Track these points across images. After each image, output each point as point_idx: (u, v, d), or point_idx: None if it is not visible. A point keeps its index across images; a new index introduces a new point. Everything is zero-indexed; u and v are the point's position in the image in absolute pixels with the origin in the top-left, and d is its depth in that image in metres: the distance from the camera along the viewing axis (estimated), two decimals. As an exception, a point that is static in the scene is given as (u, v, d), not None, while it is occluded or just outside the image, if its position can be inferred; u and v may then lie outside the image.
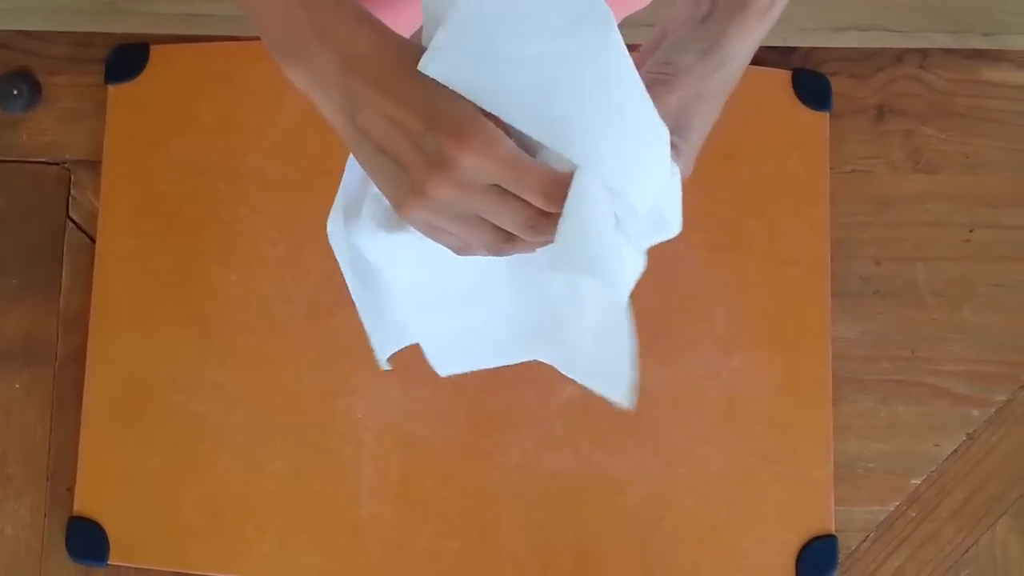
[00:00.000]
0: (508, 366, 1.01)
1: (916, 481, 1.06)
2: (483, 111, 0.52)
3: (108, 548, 1.02)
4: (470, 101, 0.51)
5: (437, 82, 0.52)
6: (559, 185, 0.53)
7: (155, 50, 1.09)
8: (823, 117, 1.09)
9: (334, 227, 0.62)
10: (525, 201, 0.53)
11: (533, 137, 0.52)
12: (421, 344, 0.63)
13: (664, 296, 1.06)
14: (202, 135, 1.08)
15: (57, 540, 1.04)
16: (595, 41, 0.53)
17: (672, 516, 1.03)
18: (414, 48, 0.53)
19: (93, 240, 1.07)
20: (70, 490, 1.04)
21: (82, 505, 1.03)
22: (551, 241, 0.54)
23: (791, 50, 1.12)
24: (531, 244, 0.56)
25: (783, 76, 1.10)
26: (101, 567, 1.03)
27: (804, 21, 1.12)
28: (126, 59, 1.09)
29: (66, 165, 1.09)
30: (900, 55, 1.13)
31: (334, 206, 0.61)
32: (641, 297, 1.10)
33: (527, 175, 0.53)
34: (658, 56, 0.63)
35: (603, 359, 0.61)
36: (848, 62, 1.12)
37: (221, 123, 1.08)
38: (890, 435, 1.07)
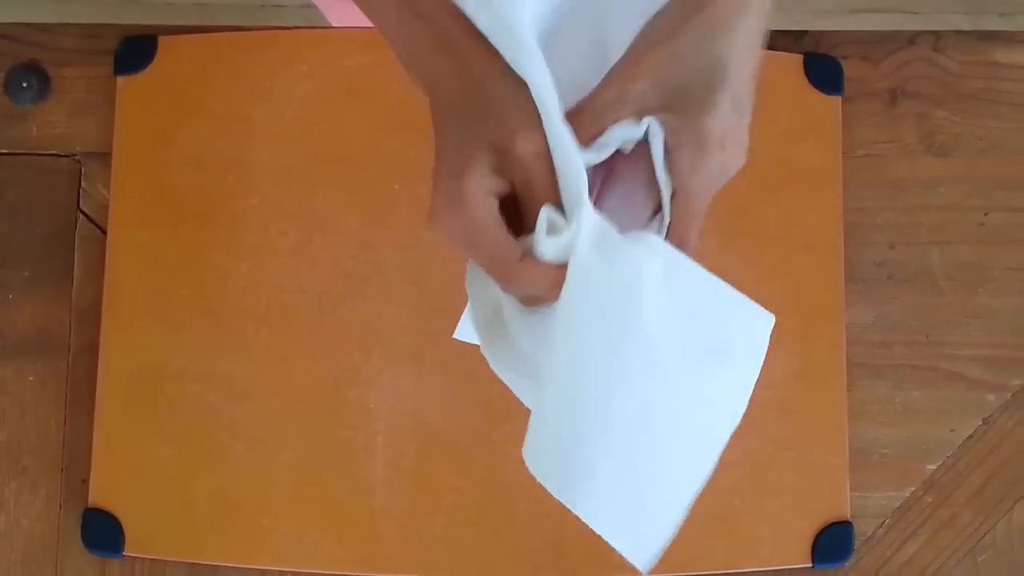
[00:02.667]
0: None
1: (932, 467, 1.06)
2: None
3: (124, 539, 1.02)
4: None
5: None
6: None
7: (163, 41, 1.09)
8: (835, 101, 1.09)
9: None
10: None
11: None
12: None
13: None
14: (211, 126, 1.08)
15: (72, 532, 1.04)
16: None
17: (686, 503, 1.02)
18: None
19: (104, 232, 1.07)
20: (85, 482, 1.04)
21: (97, 497, 1.03)
22: None
23: (802, 34, 1.11)
24: None
25: (794, 60, 1.09)
26: (117, 558, 1.03)
27: (818, 3, 1.12)
28: (135, 51, 1.09)
29: (76, 157, 1.09)
30: (913, 38, 1.12)
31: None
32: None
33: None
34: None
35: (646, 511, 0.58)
36: (860, 45, 1.11)
37: (230, 114, 1.08)
38: (905, 420, 1.06)
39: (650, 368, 0.54)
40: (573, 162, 0.53)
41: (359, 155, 1.07)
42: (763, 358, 0.56)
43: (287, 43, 1.09)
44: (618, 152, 0.57)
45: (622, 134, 0.55)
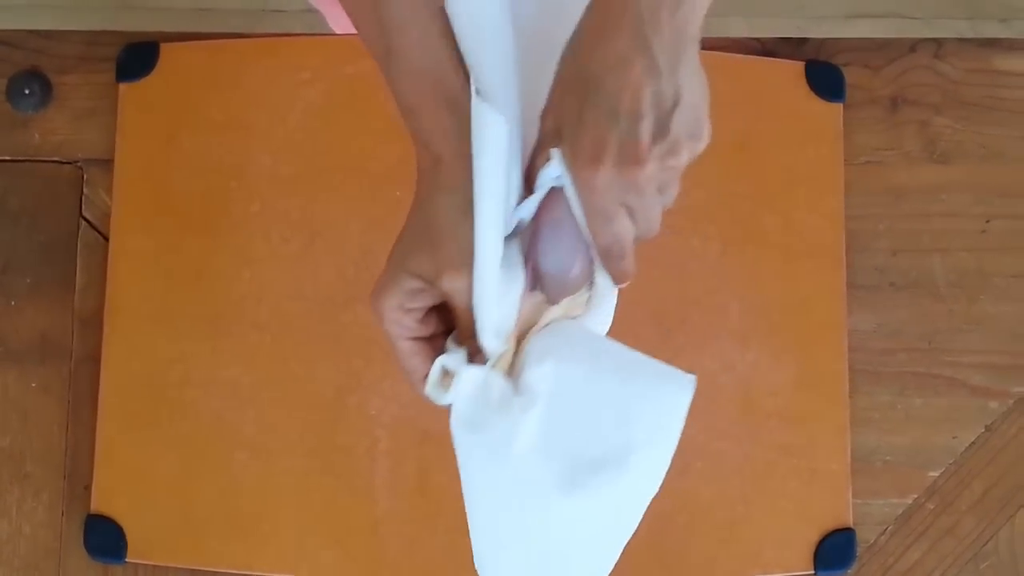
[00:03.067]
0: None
1: (934, 474, 1.06)
2: None
3: (126, 546, 1.02)
4: None
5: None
6: None
7: (165, 48, 1.09)
8: (836, 108, 1.09)
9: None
10: None
11: None
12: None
13: (678, 290, 1.06)
14: (213, 133, 1.08)
15: (75, 538, 1.04)
16: None
17: (688, 511, 1.02)
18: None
19: (106, 238, 1.07)
20: (87, 488, 1.04)
21: (99, 503, 1.03)
22: None
23: (803, 41, 1.11)
24: None
25: (796, 67, 1.09)
26: (119, 564, 1.03)
27: (817, 8, 1.12)
28: (136, 58, 1.09)
29: (79, 164, 1.09)
30: (914, 45, 1.12)
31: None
32: (655, 291, 1.10)
33: None
34: None
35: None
36: (861, 52, 1.11)
37: (231, 120, 1.08)
38: (907, 427, 1.06)
39: (531, 501, 0.61)
40: (485, 312, 0.58)
41: (361, 162, 1.07)
42: (681, 425, 0.62)
43: (289, 50, 1.09)
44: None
45: (550, 172, 0.58)
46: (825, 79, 1.09)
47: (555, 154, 0.57)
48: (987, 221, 1.09)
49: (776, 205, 1.07)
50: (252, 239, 1.06)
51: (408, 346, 0.61)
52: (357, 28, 0.61)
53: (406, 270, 0.58)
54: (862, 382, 1.06)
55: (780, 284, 1.06)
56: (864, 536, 1.04)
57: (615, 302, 0.67)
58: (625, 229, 0.59)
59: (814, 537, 1.03)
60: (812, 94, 1.09)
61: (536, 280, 0.61)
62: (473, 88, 0.57)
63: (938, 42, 1.12)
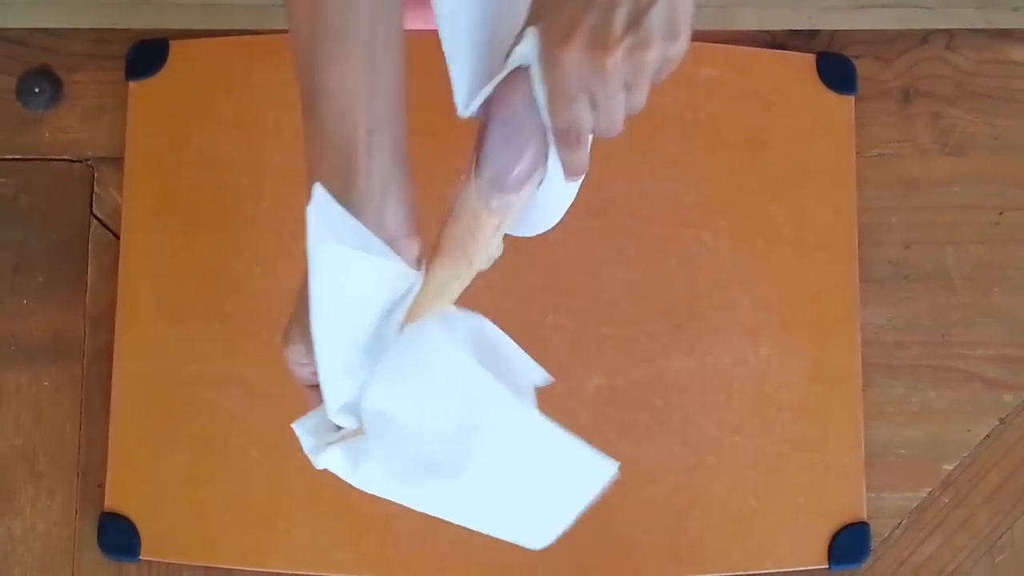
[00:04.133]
0: (534, 356, 1.00)
1: (948, 467, 1.06)
2: None
3: (140, 544, 1.03)
4: None
5: None
6: None
7: (175, 45, 1.09)
8: (848, 101, 1.08)
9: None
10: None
11: None
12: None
13: (690, 284, 1.05)
14: (223, 130, 1.08)
15: (89, 536, 1.04)
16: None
17: (702, 505, 1.02)
18: None
19: (118, 237, 1.07)
20: (101, 486, 1.04)
21: (113, 501, 1.03)
22: None
23: (814, 33, 1.11)
24: None
25: (807, 60, 1.09)
26: (133, 562, 1.04)
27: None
28: (146, 55, 1.09)
29: (89, 162, 1.10)
30: (925, 36, 1.11)
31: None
32: (667, 286, 1.10)
33: None
34: None
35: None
36: (873, 44, 1.11)
37: (241, 117, 1.07)
38: (921, 421, 1.06)
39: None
40: (328, 393, 0.64)
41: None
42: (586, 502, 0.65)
43: (299, 46, 1.09)
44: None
45: (520, 49, 0.60)
46: (836, 71, 1.09)
47: (529, 32, 0.59)
48: (1000, 213, 1.09)
49: (788, 198, 1.06)
50: (263, 236, 1.06)
51: (307, 392, 0.67)
52: (296, 78, 0.65)
53: (286, 336, 0.66)
54: (876, 375, 1.06)
55: (792, 278, 1.05)
56: (878, 530, 1.04)
57: (568, 199, 0.69)
58: (584, 115, 0.60)
59: (828, 531, 1.02)
60: (823, 87, 1.09)
61: (478, 175, 0.63)
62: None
63: (950, 33, 1.11)
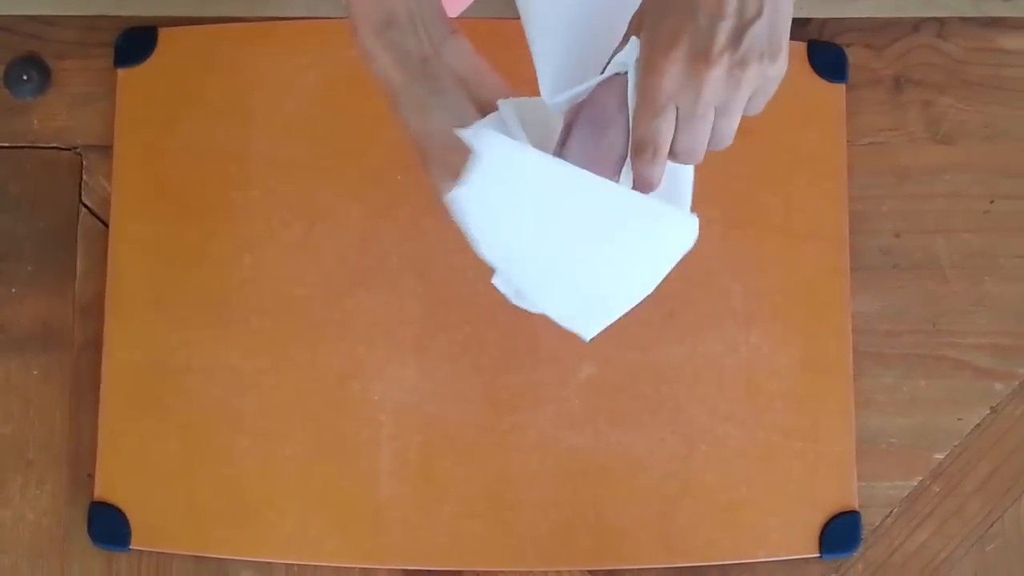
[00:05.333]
0: (525, 345, 1.01)
1: (939, 456, 1.06)
2: None
3: (130, 533, 1.02)
4: None
5: None
6: None
7: (164, 33, 1.08)
8: (839, 89, 1.08)
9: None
10: None
11: None
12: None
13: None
14: (212, 118, 1.07)
15: (79, 526, 1.04)
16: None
17: (693, 494, 1.02)
18: None
19: (106, 225, 1.07)
20: (90, 476, 1.04)
21: (103, 491, 1.03)
22: None
23: (805, 21, 1.11)
24: None
25: (798, 48, 1.09)
26: (123, 552, 1.03)
27: (820, -12, 1.11)
28: (135, 43, 1.08)
29: (78, 150, 1.09)
30: (917, 24, 1.11)
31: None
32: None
33: None
34: None
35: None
36: (864, 32, 1.11)
37: (231, 105, 1.07)
38: (912, 409, 1.06)
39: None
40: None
41: (361, 146, 1.06)
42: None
43: (288, 34, 1.09)
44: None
45: (621, 57, 0.61)
46: (827, 60, 1.09)
47: (632, 41, 0.59)
48: (991, 201, 1.09)
49: (778, 187, 1.06)
50: (252, 224, 1.06)
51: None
52: None
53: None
54: (866, 364, 1.06)
55: (783, 266, 1.05)
56: (869, 519, 1.04)
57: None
58: (667, 128, 0.60)
59: (819, 520, 1.03)
60: (814, 75, 1.08)
61: None
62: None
63: (941, 21, 1.11)
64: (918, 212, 1.08)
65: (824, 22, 1.11)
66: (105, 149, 1.08)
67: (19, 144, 1.09)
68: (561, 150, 0.64)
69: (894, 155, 1.09)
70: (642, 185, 0.63)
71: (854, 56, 1.10)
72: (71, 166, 1.09)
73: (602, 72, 0.63)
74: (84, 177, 1.09)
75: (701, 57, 0.57)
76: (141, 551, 1.03)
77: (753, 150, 1.07)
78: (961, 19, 1.11)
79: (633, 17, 0.61)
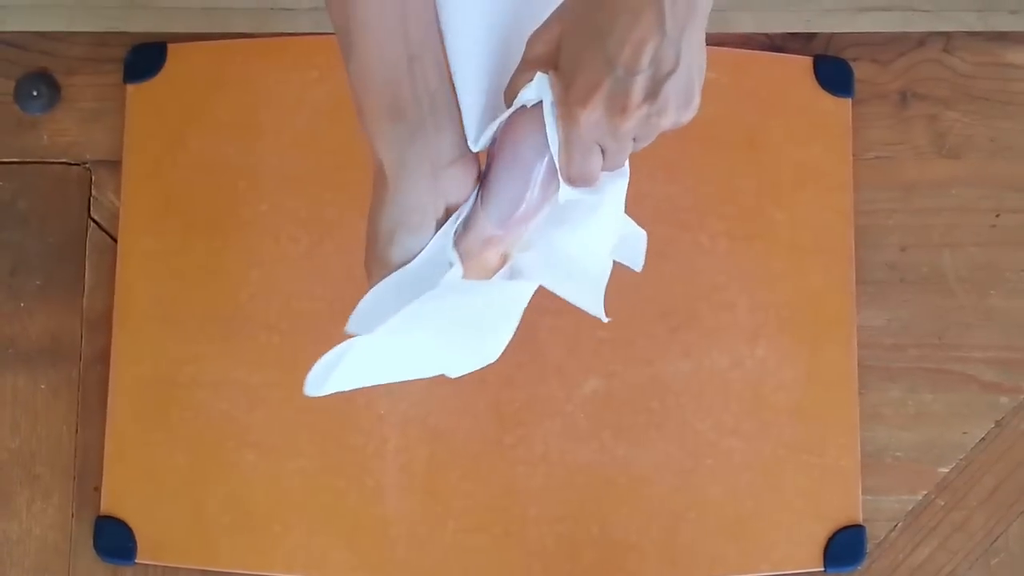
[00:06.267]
0: (531, 359, 1.01)
1: (944, 469, 1.06)
2: None
3: (136, 547, 1.03)
4: None
5: None
6: None
7: (173, 49, 1.09)
8: (845, 103, 1.09)
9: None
10: None
11: None
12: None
13: (686, 287, 1.05)
14: (221, 133, 1.08)
15: (85, 540, 1.04)
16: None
17: (698, 508, 1.02)
18: None
19: (115, 240, 1.07)
20: (97, 490, 1.04)
21: (109, 505, 1.03)
22: None
23: (811, 36, 1.11)
24: None
25: (804, 63, 1.09)
26: (129, 566, 1.04)
27: (825, 2, 1.11)
28: (144, 58, 1.09)
29: (87, 165, 1.10)
30: (922, 39, 1.11)
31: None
32: (663, 288, 1.10)
33: None
34: None
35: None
36: (870, 47, 1.11)
37: (239, 121, 1.08)
38: (918, 423, 1.06)
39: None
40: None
41: (369, 161, 1.06)
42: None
43: (297, 49, 1.09)
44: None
45: (527, 93, 0.62)
46: (834, 74, 1.09)
47: (542, 79, 0.61)
48: (997, 215, 1.09)
49: (784, 201, 1.06)
50: (261, 239, 1.06)
51: None
52: (330, 17, 0.64)
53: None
54: (872, 378, 1.06)
55: (789, 280, 1.05)
56: (874, 532, 1.04)
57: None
58: (596, 166, 0.63)
59: (824, 534, 1.02)
60: (820, 89, 1.09)
61: (484, 207, 0.66)
62: None
63: (947, 35, 1.11)
64: (924, 226, 1.08)
65: (830, 37, 1.11)
66: (114, 164, 1.09)
67: (28, 159, 1.10)
68: (484, 190, 0.66)
69: (900, 169, 1.09)
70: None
71: (860, 71, 1.10)
72: (80, 181, 1.10)
73: (512, 103, 0.64)
74: (93, 192, 1.09)
75: (618, 110, 0.58)
76: (147, 565, 1.04)
77: (759, 164, 1.07)
78: (967, 33, 1.11)
79: (536, 43, 0.62)
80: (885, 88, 1.10)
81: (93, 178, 1.09)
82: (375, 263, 0.69)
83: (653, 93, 0.58)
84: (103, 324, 1.06)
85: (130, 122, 1.08)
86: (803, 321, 1.05)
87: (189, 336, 1.05)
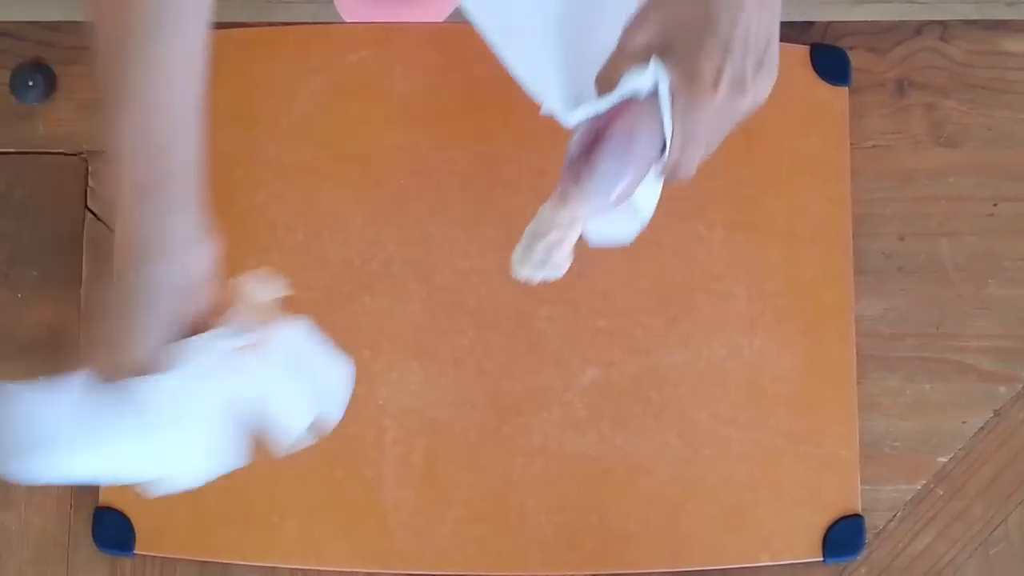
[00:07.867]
0: (529, 349, 1.00)
1: (943, 459, 1.06)
2: None
3: (135, 538, 1.03)
4: None
5: None
6: None
7: (169, 39, 1.09)
8: (842, 92, 1.08)
9: None
10: None
11: None
12: None
13: (684, 276, 1.05)
14: (217, 123, 1.06)
15: (84, 531, 1.04)
16: None
17: (697, 498, 1.02)
18: None
19: (112, 230, 1.07)
20: (95, 480, 1.04)
21: (107, 496, 1.03)
22: None
23: (808, 25, 1.11)
24: None
25: (801, 51, 1.09)
26: (128, 557, 1.04)
27: (823, -10, 1.12)
28: (140, 48, 1.09)
29: (83, 155, 1.09)
30: (919, 28, 1.11)
31: None
32: (661, 278, 1.10)
33: None
34: None
35: None
36: (867, 36, 1.11)
37: (236, 110, 1.07)
38: (916, 413, 1.06)
39: None
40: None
41: (366, 151, 1.07)
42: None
43: (293, 39, 1.09)
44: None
45: (633, 82, 0.62)
46: (830, 63, 1.09)
47: (656, 68, 0.61)
48: (995, 204, 1.09)
49: (782, 190, 1.06)
50: (258, 229, 1.06)
51: None
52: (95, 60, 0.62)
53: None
54: (870, 368, 1.06)
55: (786, 270, 1.05)
56: (873, 522, 1.04)
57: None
58: (699, 158, 0.65)
59: (823, 523, 1.03)
60: (817, 78, 1.08)
61: (582, 182, 0.65)
62: None
63: (944, 24, 1.11)
64: (922, 215, 1.08)
65: (827, 25, 1.11)
66: (110, 155, 1.08)
67: (25, 150, 1.10)
68: (586, 165, 0.66)
69: (897, 158, 1.09)
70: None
71: (857, 59, 1.10)
72: (77, 171, 1.09)
73: (614, 88, 0.64)
74: (90, 182, 1.09)
75: (739, 90, 0.60)
76: (145, 556, 1.04)
77: (756, 153, 1.07)
78: (964, 22, 1.11)
79: (637, 32, 0.62)
80: (882, 77, 1.10)
81: (90, 168, 1.09)
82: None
83: (758, 66, 0.60)
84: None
85: (126, 112, 1.08)
86: (801, 310, 1.05)
87: (186, 327, 1.05)
